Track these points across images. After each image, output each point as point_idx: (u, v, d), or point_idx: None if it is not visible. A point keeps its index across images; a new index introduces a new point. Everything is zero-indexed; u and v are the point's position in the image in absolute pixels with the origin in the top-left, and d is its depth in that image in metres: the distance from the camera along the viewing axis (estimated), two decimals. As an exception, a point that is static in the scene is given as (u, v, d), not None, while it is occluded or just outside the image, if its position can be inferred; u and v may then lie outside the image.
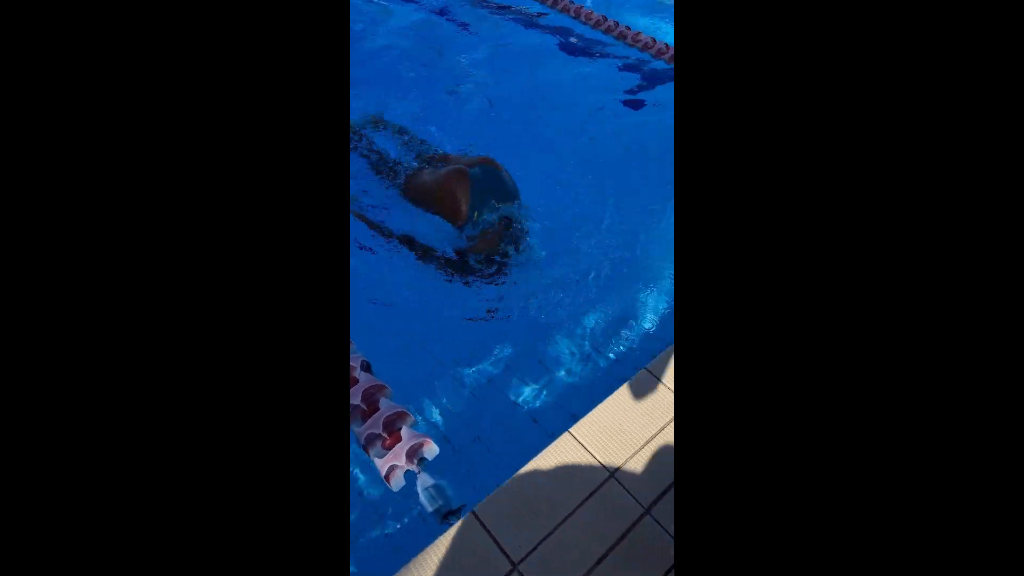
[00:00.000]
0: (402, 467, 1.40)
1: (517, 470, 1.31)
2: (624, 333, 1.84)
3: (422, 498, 1.41)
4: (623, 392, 1.45)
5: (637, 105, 3.22)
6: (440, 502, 1.40)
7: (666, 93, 3.19)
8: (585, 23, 3.81)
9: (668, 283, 2.01)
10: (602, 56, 3.55)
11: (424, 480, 1.42)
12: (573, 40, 3.71)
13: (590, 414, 1.40)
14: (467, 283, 2.05)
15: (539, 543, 1.19)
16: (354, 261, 1.79)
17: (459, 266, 2.08)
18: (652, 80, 3.36)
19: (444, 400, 1.70)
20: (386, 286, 2.00)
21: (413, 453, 1.42)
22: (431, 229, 2.10)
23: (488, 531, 1.21)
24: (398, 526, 1.45)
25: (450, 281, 2.04)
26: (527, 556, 1.17)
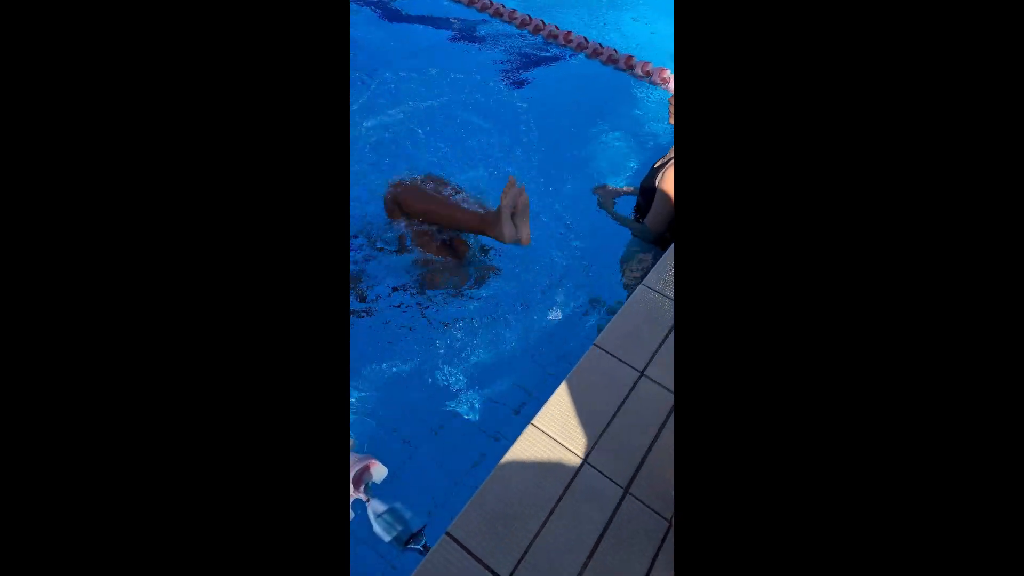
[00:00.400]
0: (350, 497, 1.21)
1: (484, 476, 1.19)
2: (568, 312, 1.77)
3: (377, 528, 1.22)
4: (578, 372, 1.38)
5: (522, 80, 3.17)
6: (398, 528, 1.22)
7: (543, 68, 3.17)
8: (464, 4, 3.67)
9: (597, 263, 1.97)
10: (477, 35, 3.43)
11: (376, 507, 1.24)
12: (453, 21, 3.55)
13: (550, 401, 1.31)
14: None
15: (526, 551, 1.08)
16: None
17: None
18: (529, 57, 3.32)
19: (382, 412, 1.52)
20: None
21: (359, 480, 1.23)
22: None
23: (469, 551, 1.07)
24: (359, 568, 1.26)
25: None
26: (516, 568, 1.05)
